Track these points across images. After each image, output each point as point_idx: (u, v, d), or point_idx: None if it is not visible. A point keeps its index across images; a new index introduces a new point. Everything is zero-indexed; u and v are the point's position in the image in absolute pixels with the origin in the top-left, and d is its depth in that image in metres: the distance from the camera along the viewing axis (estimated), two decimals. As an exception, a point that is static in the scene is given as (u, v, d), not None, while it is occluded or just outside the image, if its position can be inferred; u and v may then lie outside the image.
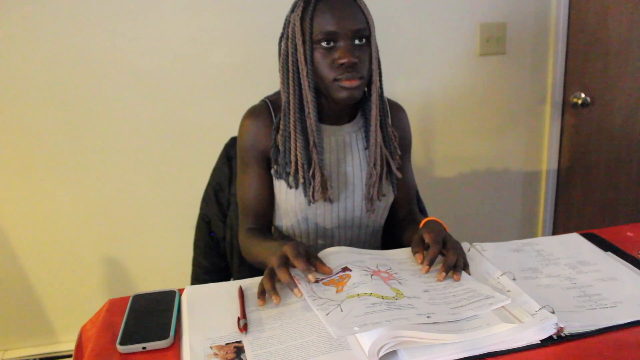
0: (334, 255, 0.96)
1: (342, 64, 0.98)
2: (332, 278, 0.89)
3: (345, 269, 0.91)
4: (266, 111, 1.11)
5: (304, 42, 1.01)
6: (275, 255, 0.89)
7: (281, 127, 1.07)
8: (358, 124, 1.14)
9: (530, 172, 2.22)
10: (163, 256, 1.95)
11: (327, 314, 0.77)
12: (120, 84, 1.76)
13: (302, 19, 1.01)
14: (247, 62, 1.81)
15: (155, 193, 1.89)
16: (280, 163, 1.08)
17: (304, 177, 1.06)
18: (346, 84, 0.99)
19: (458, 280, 0.89)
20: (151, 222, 1.91)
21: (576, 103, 2.07)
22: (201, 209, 1.38)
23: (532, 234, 2.32)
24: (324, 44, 1.00)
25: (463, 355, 0.73)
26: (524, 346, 0.75)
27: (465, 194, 2.17)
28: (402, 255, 1.01)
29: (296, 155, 1.06)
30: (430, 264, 0.92)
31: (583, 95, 2.06)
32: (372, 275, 0.89)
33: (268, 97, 1.16)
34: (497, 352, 0.74)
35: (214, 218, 1.34)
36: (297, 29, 1.01)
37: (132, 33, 1.72)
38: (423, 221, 1.04)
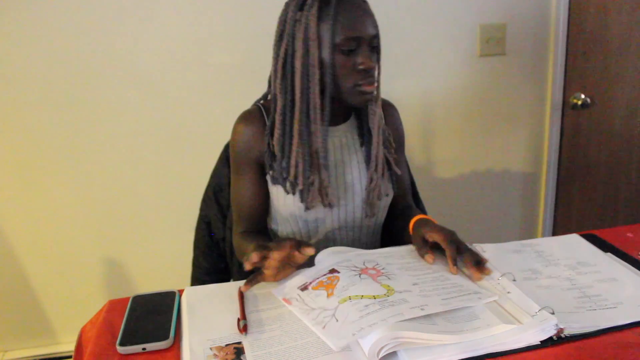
0: (319, 260, 0.97)
1: (364, 70, 0.99)
2: (320, 280, 0.89)
3: (332, 270, 0.91)
4: (259, 116, 1.09)
5: (319, 45, 0.98)
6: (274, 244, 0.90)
7: (277, 131, 1.04)
8: (353, 124, 1.14)
9: (530, 172, 2.22)
10: (163, 256, 1.95)
11: (324, 327, 0.77)
12: (120, 85, 1.76)
13: (319, 21, 0.97)
14: (247, 63, 1.81)
15: (155, 194, 1.89)
16: (276, 169, 1.07)
17: (303, 184, 1.05)
18: (366, 88, 1.00)
19: (490, 273, 0.92)
20: (151, 222, 1.91)
21: (576, 104, 2.07)
22: (201, 209, 1.38)
23: (532, 234, 2.32)
24: (346, 48, 0.98)
25: (463, 356, 0.73)
26: (524, 347, 0.75)
27: (465, 194, 2.17)
28: (388, 250, 1.01)
29: (297, 163, 1.04)
30: (455, 263, 0.93)
31: (583, 95, 2.06)
32: (360, 274, 0.89)
33: (260, 102, 1.14)
34: (497, 353, 0.74)
35: (213, 219, 1.34)
36: (312, 30, 0.97)
37: (132, 33, 1.72)
38: (413, 220, 1.04)
